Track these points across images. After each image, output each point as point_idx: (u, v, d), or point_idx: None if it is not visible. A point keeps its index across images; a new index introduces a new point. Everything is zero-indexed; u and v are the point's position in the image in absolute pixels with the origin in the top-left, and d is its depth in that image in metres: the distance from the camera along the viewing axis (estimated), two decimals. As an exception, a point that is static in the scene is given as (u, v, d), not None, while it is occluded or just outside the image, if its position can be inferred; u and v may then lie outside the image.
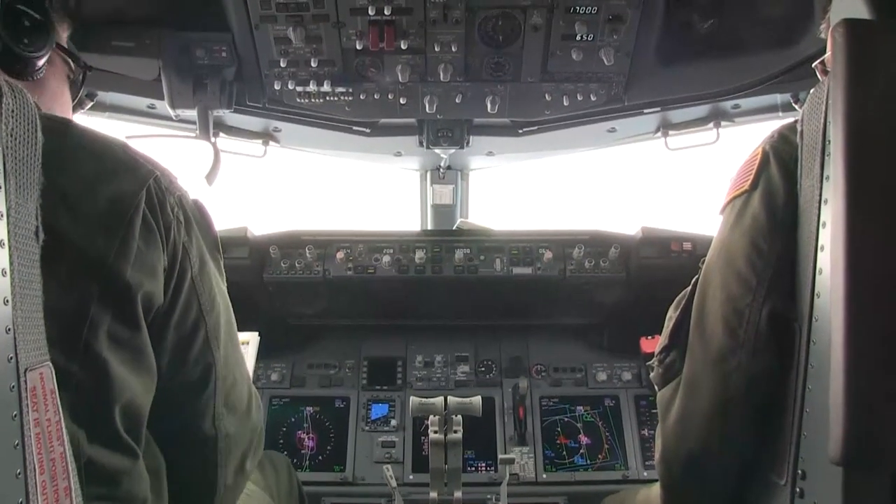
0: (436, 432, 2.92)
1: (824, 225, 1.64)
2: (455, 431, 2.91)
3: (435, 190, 4.21)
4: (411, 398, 2.98)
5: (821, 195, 1.66)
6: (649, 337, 3.55)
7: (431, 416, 2.92)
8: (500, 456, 3.37)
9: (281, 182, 4.88)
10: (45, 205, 1.55)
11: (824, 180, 1.65)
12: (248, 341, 3.33)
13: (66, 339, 1.60)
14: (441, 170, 4.16)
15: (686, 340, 2.00)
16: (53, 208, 1.59)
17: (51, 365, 1.51)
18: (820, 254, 1.65)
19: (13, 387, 1.39)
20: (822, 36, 2.09)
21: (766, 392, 1.83)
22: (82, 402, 1.63)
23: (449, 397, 2.92)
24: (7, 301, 1.39)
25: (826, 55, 2.01)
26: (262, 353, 3.67)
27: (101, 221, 1.67)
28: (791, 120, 1.93)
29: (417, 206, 4.40)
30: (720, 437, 1.89)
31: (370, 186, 4.85)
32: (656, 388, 2.17)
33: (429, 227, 4.40)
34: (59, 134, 1.72)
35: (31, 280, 1.49)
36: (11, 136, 1.47)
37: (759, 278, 1.81)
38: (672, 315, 2.12)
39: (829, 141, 1.63)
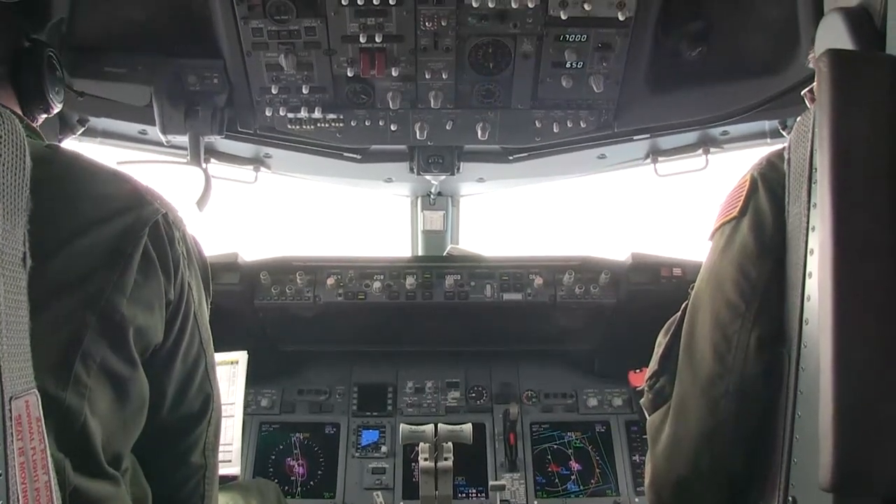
0: (426, 459, 2.90)
1: (812, 252, 1.65)
2: (445, 459, 2.89)
3: (425, 216, 4.22)
4: (401, 425, 2.97)
5: (808, 222, 1.68)
6: (637, 370, 3.54)
7: (422, 444, 2.91)
8: (490, 483, 3.35)
9: (271, 208, 4.88)
10: (45, 234, 1.55)
11: (811, 207, 1.66)
12: (238, 360, 3.33)
13: (57, 367, 1.59)
14: (432, 196, 4.17)
15: (675, 366, 2.00)
16: (54, 239, 1.60)
17: (37, 393, 1.50)
18: (808, 280, 1.66)
19: None
20: (810, 66, 2.11)
21: (755, 418, 1.83)
22: (69, 431, 1.62)
23: (439, 424, 2.91)
24: None
25: (815, 84, 2.04)
26: (252, 379, 3.66)
27: (100, 256, 1.68)
28: (779, 147, 1.95)
29: (408, 231, 4.40)
30: (710, 463, 1.89)
31: (361, 212, 4.86)
32: (646, 413, 2.16)
33: (419, 253, 4.40)
34: (68, 166, 1.73)
35: (18, 307, 1.48)
36: None
37: (748, 304, 1.81)
38: (661, 341, 2.12)
39: (816, 168, 1.65)
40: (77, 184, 1.73)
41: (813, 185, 1.66)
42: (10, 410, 1.42)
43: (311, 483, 3.81)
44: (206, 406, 2.03)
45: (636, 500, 3.76)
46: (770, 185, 1.87)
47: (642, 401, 2.17)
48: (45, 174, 1.61)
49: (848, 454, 1.50)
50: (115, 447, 1.77)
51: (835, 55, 1.64)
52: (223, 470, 2.97)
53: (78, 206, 1.69)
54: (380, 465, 3.85)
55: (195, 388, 2.00)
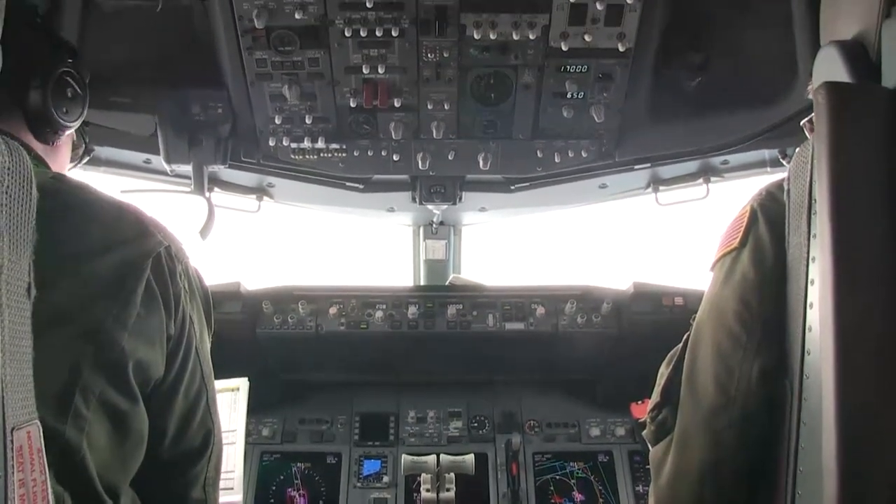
0: (428, 490, 2.88)
1: (812, 282, 1.65)
2: (448, 490, 2.87)
3: (428, 245, 4.23)
4: (403, 456, 2.96)
5: (808, 253, 1.68)
6: (639, 402, 3.52)
7: (424, 474, 2.89)
8: None
9: (274, 237, 4.90)
10: (49, 264, 1.56)
11: (811, 238, 1.67)
12: (239, 387, 3.32)
13: (56, 400, 1.60)
14: (434, 225, 4.18)
15: (678, 398, 1.99)
16: (57, 269, 1.60)
17: (38, 423, 1.50)
18: (809, 311, 1.67)
19: None
20: (809, 97, 2.13)
21: (758, 449, 1.82)
22: (68, 464, 1.62)
23: (441, 455, 2.89)
24: None
25: (813, 114, 2.05)
26: (254, 408, 3.65)
27: (103, 287, 1.69)
28: (778, 178, 1.96)
29: (410, 260, 4.41)
30: (713, 495, 1.88)
31: (363, 241, 4.87)
32: (649, 445, 2.15)
33: (422, 282, 4.41)
34: (74, 197, 1.74)
35: (22, 337, 1.49)
36: (7, 193, 1.49)
37: (749, 335, 1.81)
38: (664, 372, 2.12)
39: (815, 200, 1.66)
40: (81, 214, 1.74)
41: (813, 216, 1.67)
42: (12, 441, 1.42)
43: (313, 513, 3.78)
44: (207, 441, 2.03)
45: (641, 530, 3.72)
46: (770, 215, 1.88)
47: (644, 433, 2.16)
48: (51, 205, 1.63)
49: (853, 488, 1.49)
50: (113, 481, 1.76)
51: (831, 88, 1.66)
52: (225, 498, 2.95)
53: (81, 237, 1.71)
54: (381, 495, 3.81)
55: (196, 423, 2.00)
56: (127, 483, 1.85)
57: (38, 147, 2.04)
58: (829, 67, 1.86)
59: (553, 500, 3.83)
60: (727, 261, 1.94)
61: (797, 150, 1.83)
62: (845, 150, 1.61)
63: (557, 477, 3.91)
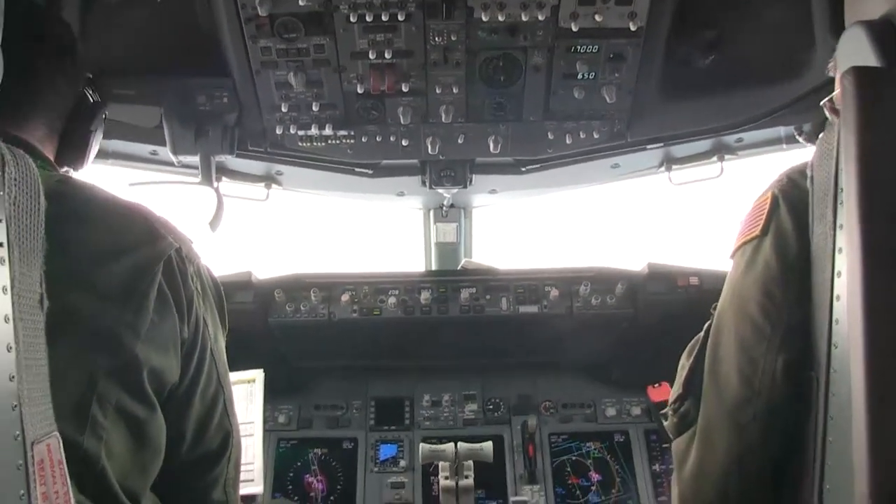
0: (447, 478, 2.88)
1: (839, 274, 1.62)
2: (466, 477, 2.87)
3: (438, 228, 4.19)
4: (421, 445, 2.95)
5: (834, 243, 1.65)
6: (656, 385, 3.50)
7: (441, 462, 2.88)
8: (511, 499, 3.32)
9: (284, 225, 4.86)
10: (58, 272, 1.53)
11: (837, 228, 1.63)
12: (255, 379, 3.31)
13: (74, 411, 1.58)
14: (444, 208, 4.14)
15: (700, 389, 1.97)
16: (67, 277, 1.58)
17: (58, 435, 1.49)
18: (836, 303, 1.63)
19: (20, 465, 1.36)
20: (830, 74, 2.07)
21: (783, 442, 1.80)
22: (88, 474, 1.61)
23: (459, 443, 2.88)
24: (13, 377, 1.36)
25: (835, 93, 2.00)
26: (269, 396, 3.65)
27: (115, 293, 1.66)
28: (795, 156, 1.92)
29: (421, 244, 4.38)
30: (738, 489, 1.86)
31: (373, 226, 4.83)
32: (671, 436, 2.13)
33: (433, 266, 4.38)
34: (80, 201, 1.72)
35: (37, 350, 1.47)
36: (14, 204, 1.45)
37: (773, 326, 1.79)
38: (685, 363, 2.09)
39: (842, 189, 1.62)
40: (89, 219, 1.72)
41: (839, 206, 1.63)
42: (33, 456, 1.41)
43: (331, 499, 3.79)
44: (226, 443, 2.02)
45: (657, 510, 3.72)
46: (792, 202, 1.84)
47: (666, 424, 2.14)
48: (58, 210, 1.60)
49: (885, 481, 1.47)
50: (134, 488, 1.75)
51: (859, 73, 1.61)
52: (245, 489, 2.95)
53: (90, 243, 1.68)
54: (399, 479, 3.82)
55: (214, 425, 1.98)
56: (147, 488, 1.84)
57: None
58: (856, 49, 1.81)
59: (570, 481, 3.84)
60: (748, 249, 1.91)
61: (821, 135, 1.79)
62: (874, 138, 1.57)
63: (574, 457, 3.91)
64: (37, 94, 1.94)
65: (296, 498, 3.76)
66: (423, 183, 3.73)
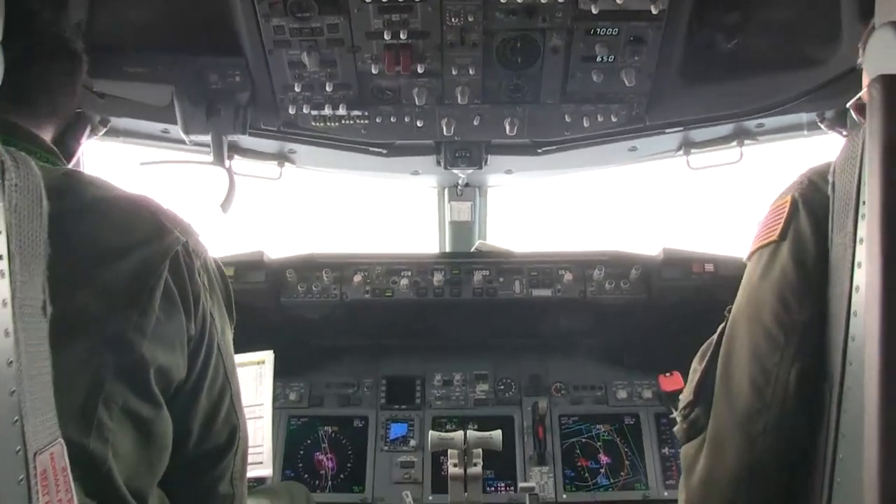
0: (455, 465, 2.88)
1: (857, 289, 1.58)
2: (475, 465, 2.87)
3: (453, 207, 4.15)
4: (430, 433, 2.95)
5: (854, 256, 1.60)
6: (668, 374, 3.47)
7: (451, 450, 2.89)
8: (520, 484, 3.33)
9: (297, 204, 4.83)
10: (63, 272, 1.51)
11: (857, 242, 1.58)
12: (264, 360, 3.31)
13: (80, 414, 1.57)
14: (459, 187, 4.10)
15: (711, 396, 1.94)
16: (72, 277, 1.56)
17: (62, 442, 1.48)
18: (853, 319, 1.59)
19: (21, 479, 1.35)
20: (859, 62, 2.00)
21: (794, 455, 1.77)
22: (95, 476, 1.61)
23: (469, 431, 2.88)
24: (13, 392, 1.35)
25: (862, 93, 1.93)
26: (280, 373, 3.67)
27: (120, 292, 1.63)
28: (822, 163, 1.86)
29: (435, 223, 4.34)
30: (747, 502, 1.84)
31: (387, 204, 4.79)
32: (680, 441, 2.11)
33: (447, 244, 4.34)
34: (86, 197, 1.69)
35: (40, 359, 1.45)
36: (15, 212, 1.43)
37: (787, 336, 1.75)
38: (697, 367, 2.06)
39: (864, 202, 1.57)
40: (94, 215, 1.68)
41: (860, 219, 1.58)
42: (35, 467, 1.40)
43: (341, 476, 3.82)
44: (233, 438, 2.01)
45: (665, 493, 3.73)
46: (812, 207, 1.79)
47: (676, 429, 2.11)
48: (63, 207, 1.57)
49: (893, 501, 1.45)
50: (140, 486, 1.75)
51: (888, 82, 1.55)
52: (254, 472, 2.97)
53: (96, 241, 1.65)
54: (408, 458, 3.84)
55: (221, 420, 1.97)
56: (154, 485, 1.84)
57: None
58: (885, 51, 1.74)
59: (579, 463, 3.84)
60: (765, 253, 1.86)
61: (845, 141, 1.72)
62: (901, 152, 1.51)
63: (583, 440, 3.91)
64: (44, 84, 1.92)
65: (306, 476, 3.80)
66: (438, 163, 3.69)
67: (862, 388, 1.52)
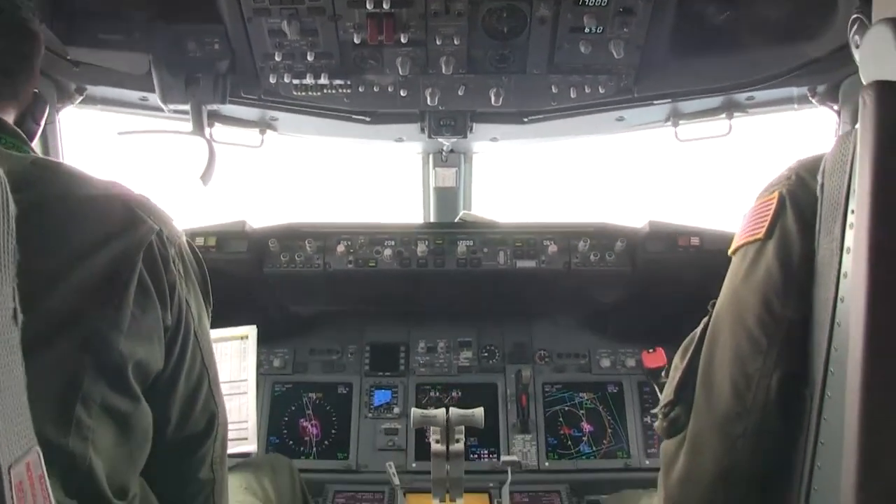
0: (438, 442, 2.89)
1: (842, 300, 1.56)
2: (457, 441, 2.89)
3: (437, 173, 4.09)
4: (413, 409, 2.95)
5: (840, 265, 1.58)
6: (650, 350, 3.47)
7: (433, 427, 2.90)
8: (503, 458, 3.35)
9: (279, 172, 4.75)
10: (35, 271, 1.47)
11: (844, 251, 1.56)
12: (248, 335, 3.28)
13: (57, 414, 1.55)
14: (444, 153, 4.04)
15: (692, 396, 1.93)
16: (45, 276, 1.52)
17: (38, 449, 1.46)
18: (836, 329, 1.58)
19: None
20: (853, 36, 1.95)
21: (773, 458, 1.78)
22: (74, 475, 1.59)
23: (451, 409, 2.89)
24: None
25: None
26: (264, 339, 3.66)
27: (94, 290, 1.60)
28: (811, 157, 1.82)
29: (420, 189, 4.29)
30: (724, 502, 1.85)
31: (371, 170, 4.72)
32: (661, 436, 2.12)
33: (431, 211, 4.30)
34: (56, 188, 1.64)
35: (13, 367, 1.42)
36: None
37: (770, 340, 1.73)
38: (678, 364, 2.05)
39: (853, 210, 1.54)
40: (65, 208, 1.63)
41: (848, 228, 1.56)
42: (10, 480, 1.38)
43: (326, 443, 3.84)
44: (212, 423, 2.00)
45: (647, 462, 3.77)
46: (799, 206, 1.76)
47: (657, 425, 2.12)
48: (30, 199, 1.52)
49: None
50: (121, 479, 1.74)
51: (882, 89, 1.51)
52: (238, 448, 2.98)
53: (66, 236, 1.61)
54: (392, 426, 3.86)
55: (199, 407, 1.96)
56: (135, 478, 1.84)
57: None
58: (880, 49, 1.70)
59: (562, 431, 3.88)
60: (750, 251, 1.84)
61: (835, 143, 1.68)
62: (892, 164, 1.48)
63: (566, 408, 3.94)
64: (2, 67, 1.86)
65: (290, 442, 3.81)
66: (422, 130, 3.63)
67: (843, 397, 1.52)
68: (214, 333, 3.18)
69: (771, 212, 1.80)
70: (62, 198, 1.64)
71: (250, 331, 3.24)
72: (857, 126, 1.56)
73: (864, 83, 1.69)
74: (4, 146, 1.83)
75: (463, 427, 2.92)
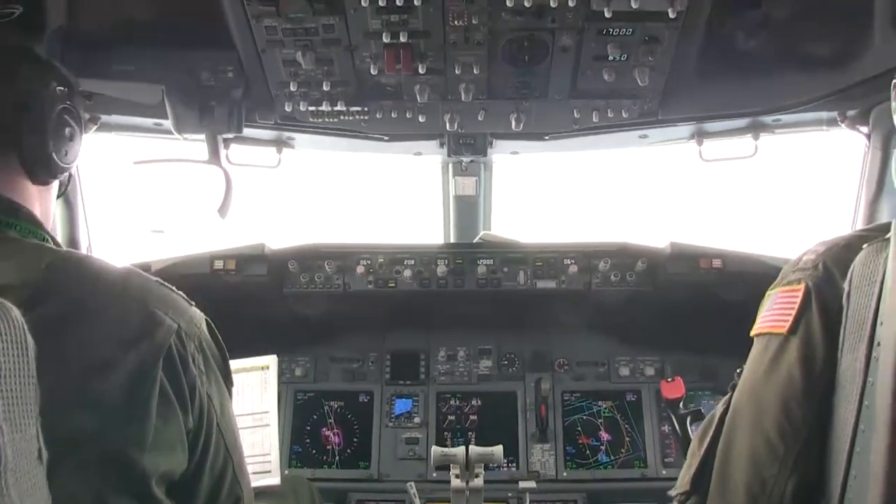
0: (457, 477, 2.93)
1: (863, 431, 1.54)
2: (476, 477, 2.92)
3: (457, 182, 4.04)
4: (433, 448, 2.97)
5: (863, 389, 1.56)
6: (670, 379, 3.45)
7: (453, 464, 2.92)
8: (520, 484, 3.37)
9: (298, 190, 4.70)
10: (57, 390, 1.47)
11: (868, 384, 1.54)
12: (268, 365, 3.29)
13: None
14: (464, 163, 3.97)
15: (708, 486, 1.94)
16: (67, 394, 1.52)
17: None
18: (855, 456, 1.56)
19: None
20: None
21: None
22: None
23: (470, 447, 2.91)
24: None
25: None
26: (286, 348, 3.70)
27: (117, 406, 1.60)
28: (840, 244, 1.78)
29: (440, 198, 4.23)
30: None
31: (392, 179, 4.65)
32: None
33: (451, 219, 4.25)
34: (73, 296, 1.64)
35: (38, 501, 1.45)
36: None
37: (788, 448, 1.73)
38: (696, 451, 2.04)
39: (879, 343, 1.51)
40: (81, 319, 1.63)
41: (873, 361, 1.52)
42: None
43: (348, 452, 3.90)
44: None
45: (663, 471, 3.81)
46: (825, 304, 1.73)
47: None
48: (48, 314, 1.53)
49: None
50: None
51: None
52: (262, 481, 2.99)
53: (84, 350, 1.61)
54: (413, 435, 3.91)
55: (224, 494, 1.98)
56: None
57: (33, 190, 1.93)
58: None
59: (580, 440, 3.91)
60: (773, 343, 1.82)
61: (861, 256, 1.63)
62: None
63: (585, 417, 3.97)
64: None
65: (313, 451, 3.88)
66: (441, 146, 3.59)
67: None
68: (235, 364, 3.19)
69: (796, 305, 1.78)
70: (79, 309, 1.64)
71: (271, 361, 3.24)
72: (889, 240, 1.52)
73: None
74: (20, 233, 1.82)
75: (482, 464, 2.95)
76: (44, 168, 1.92)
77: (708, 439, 1.99)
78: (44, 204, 2.00)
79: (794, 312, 1.78)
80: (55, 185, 2.07)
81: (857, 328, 1.60)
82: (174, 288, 1.87)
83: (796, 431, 1.72)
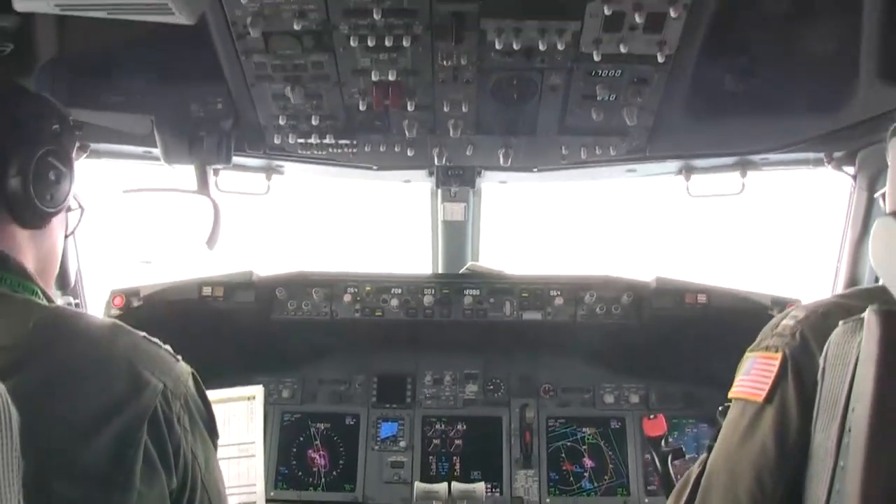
0: (439, 512, 2.96)
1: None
2: (459, 513, 2.95)
3: (446, 207, 4.04)
4: (416, 484, 3.01)
5: (833, 472, 1.58)
6: (651, 417, 3.47)
7: (436, 502, 2.95)
8: None
9: (287, 216, 4.70)
10: (40, 458, 1.48)
11: (838, 468, 1.56)
12: (254, 396, 3.32)
13: None
14: (452, 189, 3.98)
15: None
16: (49, 462, 1.52)
17: None
18: None
19: None
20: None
21: None
22: None
23: (453, 484, 2.94)
24: None
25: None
26: (274, 369, 3.70)
27: (100, 473, 1.60)
28: (819, 313, 1.81)
29: (428, 222, 4.25)
30: None
31: (381, 206, 4.66)
32: None
33: (440, 243, 4.27)
34: (57, 359, 1.64)
35: None
36: None
37: None
38: None
39: (850, 429, 1.53)
40: (64, 383, 1.63)
41: (843, 447, 1.55)
42: None
43: (333, 474, 3.91)
44: None
45: (646, 500, 3.83)
46: (801, 376, 1.76)
47: None
48: (32, 378, 1.54)
49: None
50: None
51: (888, 317, 1.48)
52: (247, 513, 3.04)
53: (67, 416, 1.60)
54: (398, 458, 3.92)
55: None
56: None
57: (24, 236, 1.92)
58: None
59: (564, 467, 3.93)
60: (749, 410, 1.85)
61: (837, 334, 1.65)
62: (891, 391, 1.46)
63: (569, 443, 3.98)
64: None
65: (299, 473, 3.89)
66: (430, 174, 3.59)
67: None
68: (221, 394, 3.24)
69: (773, 374, 1.81)
70: (64, 372, 1.63)
71: (257, 391, 3.27)
72: (864, 319, 1.53)
73: None
74: (10, 287, 1.81)
75: (465, 501, 2.98)
76: (31, 214, 1.90)
77: (684, 499, 2.01)
78: (41, 249, 1.98)
79: (770, 381, 1.80)
80: (55, 225, 2.05)
81: (830, 407, 1.62)
82: (160, 343, 1.86)
83: (769, 501, 1.74)
